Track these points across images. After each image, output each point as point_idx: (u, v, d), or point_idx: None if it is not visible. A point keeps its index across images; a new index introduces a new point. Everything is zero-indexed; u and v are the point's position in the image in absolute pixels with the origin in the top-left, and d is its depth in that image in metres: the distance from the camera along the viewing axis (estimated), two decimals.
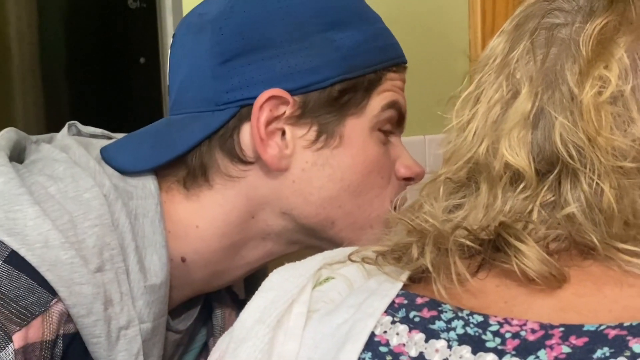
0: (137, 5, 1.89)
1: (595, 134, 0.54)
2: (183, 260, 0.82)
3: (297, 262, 0.65)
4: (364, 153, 0.85)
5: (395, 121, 0.88)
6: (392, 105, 0.86)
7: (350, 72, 0.83)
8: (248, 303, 0.62)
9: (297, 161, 0.83)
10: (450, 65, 1.29)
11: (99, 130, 0.90)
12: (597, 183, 0.53)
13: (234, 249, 0.85)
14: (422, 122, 1.19)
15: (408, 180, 0.89)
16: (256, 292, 0.62)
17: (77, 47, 1.93)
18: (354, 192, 0.84)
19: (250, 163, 0.82)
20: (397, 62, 0.88)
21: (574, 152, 0.54)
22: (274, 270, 0.64)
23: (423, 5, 1.34)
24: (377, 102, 0.85)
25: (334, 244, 0.83)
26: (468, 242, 0.56)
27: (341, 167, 0.84)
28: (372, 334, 0.55)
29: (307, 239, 0.86)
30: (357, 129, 0.84)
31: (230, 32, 0.82)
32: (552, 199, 0.55)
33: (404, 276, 0.58)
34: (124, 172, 0.81)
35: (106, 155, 0.82)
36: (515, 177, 0.57)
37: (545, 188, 0.55)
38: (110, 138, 0.89)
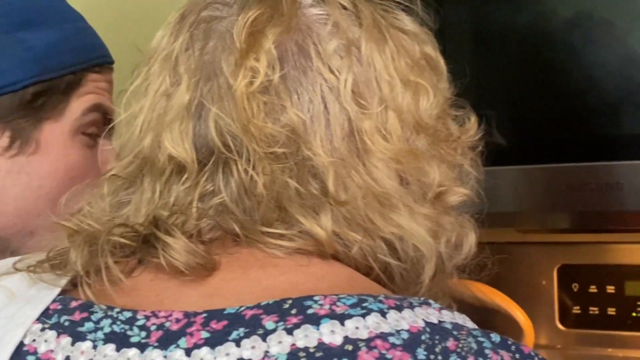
0: None
1: (248, 122, 0.54)
2: None
3: None
4: (65, 159, 0.81)
5: (101, 124, 0.85)
6: (95, 108, 0.83)
7: (45, 74, 0.79)
8: None
9: None
10: None
11: None
12: (251, 170, 0.54)
13: None
14: None
15: None
16: None
17: None
18: (54, 199, 0.80)
19: None
20: (99, 63, 0.85)
21: (230, 142, 0.55)
22: None
23: (149, 3, 1.32)
24: (77, 105, 0.82)
25: None
26: (122, 240, 0.55)
27: (39, 174, 0.80)
28: (22, 344, 0.53)
29: (4, 251, 0.81)
30: (56, 133, 0.81)
31: None
32: (211, 189, 0.55)
33: (64, 281, 0.56)
34: None
35: None
36: (179, 169, 0.56)
37: (205, 179, 0.56)
38: None
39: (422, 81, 0.59)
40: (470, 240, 0.61)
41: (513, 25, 0.99)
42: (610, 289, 1.10)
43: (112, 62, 0.87)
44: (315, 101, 0.56)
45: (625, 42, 0.94)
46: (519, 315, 1.03)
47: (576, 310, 1.12)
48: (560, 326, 1.13)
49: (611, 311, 1.10)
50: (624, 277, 1.09)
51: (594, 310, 1.11)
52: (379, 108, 0.57)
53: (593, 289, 1.11)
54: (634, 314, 1.09)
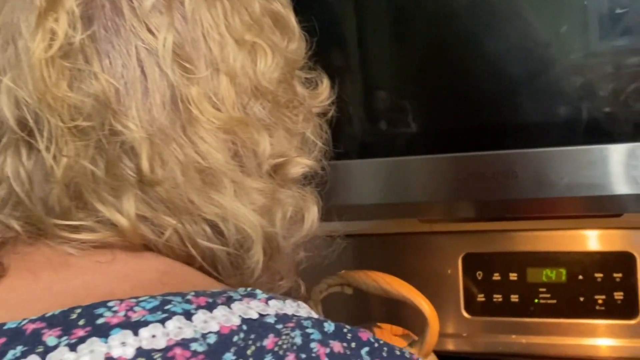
0: None
1: (45, 92, 0.47)
2: None
3: None
4: None
5: None
6: None
7: None
8: None
9: None
10: None
11: None
12: (51, 151, 0.47)
13: None
14: None
15: None
16: None
17: None
18: None
19: None
20: None
21: (28, 117, 0.48)
22: None
23: None
24: None
25: None
26: None
27: None
28: None
29: None
30: None
31: None
32: (5, 176, 0.49)
33: None
34: None
35: None
36: None
37: None
38: None
39: (260, 41, 0.53)
40: (312, 215, 0.56)
41: (414, 13, 0.98)
42: (513, 276, 1.11)
43: None
44: (129, 65, 0.49)
45: (520, 30, 0.94)
46: (424, 305, 1.03)
47: (481, 298, 1.13)
48: (465, 314, 1.14)
49: (514, 298, 1.11)
50: (525, 264, 1.10)
51: (497, 297, 1.12)
52: (208, 71, 0.50)
53: (497, 276, 1.12)
54: (536, 300, 1.10)
